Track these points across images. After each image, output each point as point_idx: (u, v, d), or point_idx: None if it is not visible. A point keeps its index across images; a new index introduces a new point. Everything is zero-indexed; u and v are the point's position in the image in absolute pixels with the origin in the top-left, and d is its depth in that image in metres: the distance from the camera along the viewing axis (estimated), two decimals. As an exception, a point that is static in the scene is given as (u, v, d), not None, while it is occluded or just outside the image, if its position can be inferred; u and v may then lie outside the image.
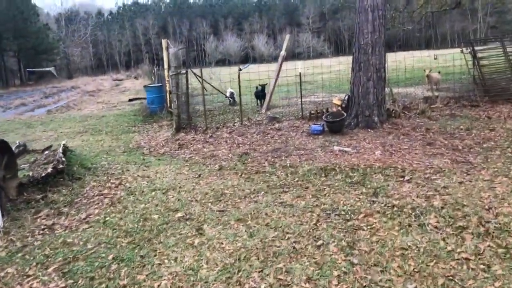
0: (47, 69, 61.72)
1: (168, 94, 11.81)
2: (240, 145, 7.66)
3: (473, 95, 10.12)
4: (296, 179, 5.32)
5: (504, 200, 4.21)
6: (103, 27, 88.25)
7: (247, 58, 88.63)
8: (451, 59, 12.12)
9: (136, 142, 8.86)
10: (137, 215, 4.55)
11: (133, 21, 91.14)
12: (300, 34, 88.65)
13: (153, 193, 5.26)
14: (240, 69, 9.71)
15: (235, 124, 10.07)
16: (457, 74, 11.69)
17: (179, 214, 4.48)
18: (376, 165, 5.62)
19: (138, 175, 6.11)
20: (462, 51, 10.25)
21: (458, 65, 11.00)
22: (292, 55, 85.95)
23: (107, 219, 4.53)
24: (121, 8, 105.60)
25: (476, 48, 10.22)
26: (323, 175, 5.38)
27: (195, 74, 10.14)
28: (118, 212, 4.69)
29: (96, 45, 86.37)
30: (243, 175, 5.72)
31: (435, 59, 22.35)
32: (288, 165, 5.96)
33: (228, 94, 13.53)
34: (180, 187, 5.43)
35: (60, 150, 6.27)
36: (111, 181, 5.84)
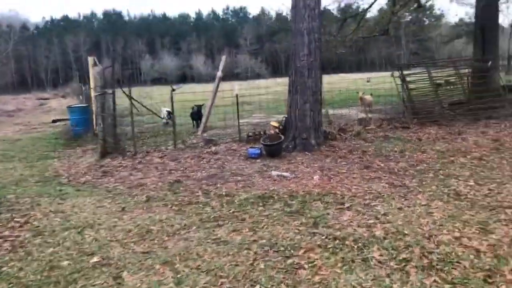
0: (-40, 85, 56.02)
1: (94, 116, 10.89)
2: (172, 171, 7.07)
3: (403, 117, 10.50)
4: (232, 209, 4.88)
5: (442, 226, 4.11)
6: (28, 42, 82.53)
7: (184, 77, 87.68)
8: (382, 82, 12.61)
9: (54, 169, 7.89)
10: (42, 263, 3.80)
11: (62, 37, 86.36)
12: (238, 55, 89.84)
13: (66, 232, 4.51)
14: (173, 89, 9.20)
15: (168, 147, 9.45)
16: (388, 97, 12.16)
17: (95, 259, 3.81)
18: (315, 191, 5.37)
19: (50, 210, 5.29)
20: (392, 75, 10.66)
21: (388, 88, 11.43)
22: (231, 75, 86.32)
23: (3, 269, 3.73)
24: (49, 23, 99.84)
25: (404, 72, 10.69)
26: (260, 204, 5.01)
27: (125, 93, 9.38)
28: (19, 260, 3.89)
29: (20, 61, 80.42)
30: (173, 207, 5.16)
31: (368, 82, 23.44)
32: (224, 193, 5.51)
33: (163, 114, 12.87)
34: (99, 224, 4.73)
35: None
36: (16, 219, 4.96)
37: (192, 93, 13.07)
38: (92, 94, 9.79)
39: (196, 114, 12.49)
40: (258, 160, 7.35)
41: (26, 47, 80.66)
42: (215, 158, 7.79)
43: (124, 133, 10.88)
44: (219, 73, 12.68)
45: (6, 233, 4.53)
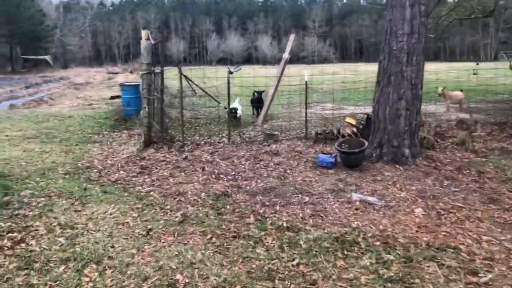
0: (43, 57, 59.74)
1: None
2: (221, 176, 5.61)
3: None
4: (296, 258, 3.29)
5: None
6: (104, 17, 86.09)
7: (249, 58, 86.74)
8: (463, 75, 10.07)
9: (89, 158, 6.80)
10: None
11: (135, 13, 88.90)
12: (306, 37, 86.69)
13: (62, 268, 3.21)
14: (230, 72, 7.70)
15: (221, 140, 8.03)
16: (482, 93, 9.68)
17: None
18: (422, 238, 3.59)
19: (60, 223, 4.06)
20: (510, 66, 8.27)
21: (477, 81, 8.98)
22: (296, 59, 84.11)
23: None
24: (124, 0, 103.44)
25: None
26: (339, 253, 3.35)
27: (181, 73, 7.93)
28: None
29: (96, 35, 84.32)
30: (213, 239, 3.68)
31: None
32: (284, 224, 3.92)
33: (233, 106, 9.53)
34: (110, 257, 3.39)
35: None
36: (10, 234, 3.78)
37: (252, 77, 11.50)
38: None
39: (256, 102, 10.96)
40: (331, 171, 5.64)
41: (102, 23, 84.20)
42: (275, 162, 6.20)
43: (176, 118, 9.71)
44: (285, 55, 10.99)
45: (-13, 259, 3.33)
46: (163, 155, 6.90)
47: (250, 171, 5.79)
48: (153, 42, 8.17)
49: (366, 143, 5.82)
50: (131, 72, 43.30)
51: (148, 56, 7.38)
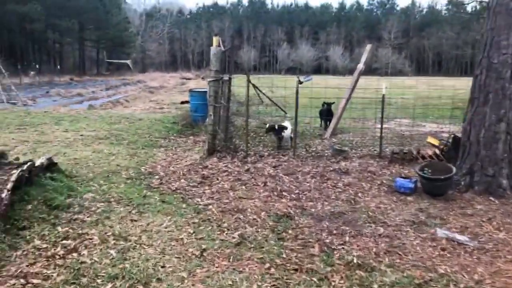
0: (124, 61, 64.27)
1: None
2: (284, 193, 5.18)
3: None
4: (369, 307, 2.74)
5: None
6: (181, 25, 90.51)
7: (319, 68, 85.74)
8: None
9: (153, 164, 6.75)
10: None
11: (210, 22, 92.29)
12: (380, 49, 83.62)
13: (109, 286, 2.99)
14: (300, 82, 7.27)
15: (286, 152, 7.62)
16: None
17: None
18: (533, 299, 2.85)
19: (114, 233, 3.90)
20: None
21: None
22: (369, 70, 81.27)
23: None
24: (201, 9, 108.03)
25: None
26: (423, 307, 2.74)
27: (249, 81, 7.61)
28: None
29: (172, 42, 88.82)
30: (271, 269, 3.25)
31: None
32: (355, 260, 3.38)
33: (288, 130, 8.12)
34: (159, 278, 3.11)
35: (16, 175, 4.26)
36: (64, 241, 3.68)
37: (323, 87, 10.95)
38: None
39: (326, 114, 10.40)
40: (410, 199, 4.95)
41: (179, 30, 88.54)
42: (345, 182, 5.63)
43: (241, 127, 9.49)
44: (360, 65, 10.32)
45: (35, 269, 3.20)
46: (225, 165, 6.65)
47: (316, 190, 5.28)
48: (223, 49, 8.03)
49: (454, 169, 5.03)
50: (202, 78, 44.82)
51: (217, 63, 7.21)
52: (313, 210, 4.61)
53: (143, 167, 6.52)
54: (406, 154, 6.76)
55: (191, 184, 5.62)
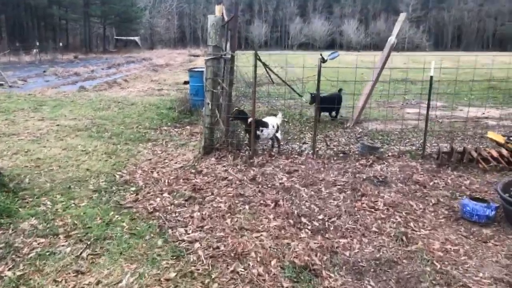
0: (132, 38, 62.49)
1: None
2: (304, 221, 3.66)
3: None
4: None
5: None
6: (190, 0, 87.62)
7: (333, 43, 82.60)
8: None
9: (133, 167, 5.28)
10: None
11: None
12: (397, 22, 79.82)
13: None
14: (323, 60, 5.62)
15: (302, 148, 6.09)
16: None
17: None
18: None
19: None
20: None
21: None
22: (384, 44, 77.95)
23: None
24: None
25: None
26: None
27: (258, 58, 5.85)
28: None
29: (182, 18, 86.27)
30: None
31: None
32: None
33: (271, 126, 5.96)
34: None
35: None
36: None
37: (341, 67, 9.23)
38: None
39: (329, 103, 8.40)
40: (489, 232, 3.39)
41: (189, 5, 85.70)
42: (386, 199, 4.08)
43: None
44: (392, 38, 8.62)
45: None
46: (225, 169, 5.15)
47: (348, 215, 3.75)
48: (226, 18, 6.42)
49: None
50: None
51: (216, 36, 5.60)
52: (347, 254, 3.10)
53: (119, 173, 5.05)
54: (462, 155, 5.15)
55: (176, 202, 4.15)
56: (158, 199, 4.23)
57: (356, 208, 3.90)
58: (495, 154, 4.96)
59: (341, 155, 5.82)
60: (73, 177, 4.84)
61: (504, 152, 4.98)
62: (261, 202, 4.08)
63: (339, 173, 4.97)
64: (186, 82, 15.40)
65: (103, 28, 56.88)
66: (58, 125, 7.55)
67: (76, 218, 3.71)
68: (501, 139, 5.20)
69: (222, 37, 6.01)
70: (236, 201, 4.11)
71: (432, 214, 3.77)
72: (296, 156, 5.70)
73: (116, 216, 3.81)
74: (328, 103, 8.32)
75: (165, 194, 4.36)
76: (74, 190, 4.47)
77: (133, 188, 4.54)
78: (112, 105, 9.77)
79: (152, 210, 3.96)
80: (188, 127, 7.87)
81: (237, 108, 5.78)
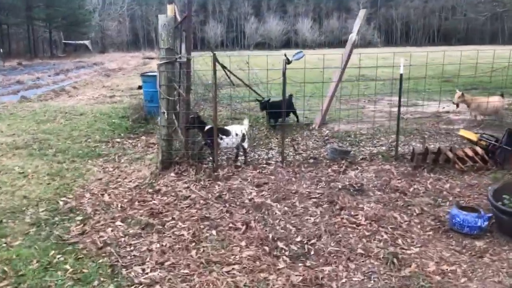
0: (82, 42, 59.66)
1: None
2: (281, 246, 3.21)
3: None
4: None
5: None
6: (142, 1, 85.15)
7: (288, 42, 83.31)
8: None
9: (81, 191, 4.61)
10: None
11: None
12: (349, 20, 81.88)
13: None
14: (288, 61, 5.20)
15: (270, 156, 5.66)
16: None
17: None
18: None
19: None
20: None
21: None
22: (337, 42, 79.86)
23: None
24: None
25: None
26: None
27: (216, 60, 5.27)
28: None
29: (134, 20, 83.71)
30: None
31: None
32: None
33: (234, 135, 5.42)
34: None
35: None
36: None
37: (307, 68, 8.93)
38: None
39: (276, 108, 7.32)
40: (483, 245, 3.09)
41: (140, 6, 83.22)
42: (367, 212, 3.71)
43: (209, 118, 7.40)
44: (353, 35, 8.38)
45: None
46: (186, 185, 4.61)
47: (329, 236, 3.34)
48: (179, 18, 5.88)
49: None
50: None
51: (169, 37, 5.04)
52: (334, 286, 2.67)
53: (64, 198, 4.38)
54: (436, 155, 4.92)
55: (131, 231, 3.57)
56: (109, 229, 3.63)
57: (336, 225, 3.50)
58: (470, 153, 4.77)
59: (311, 161, 5.44)
60: (6, 208, 4.12)
61: (479, 150, 4.79)
62: (230, 225, 3.59)
63: (312, 183, 4.57)
64: (140, 87, 14.57)
65: (49, 32, 53.81)
66: (-10, 144, 6.65)
67: (7, 263, 3.05)
68: (474, 137, 5.03)
69: (176, 39, 5.46)
70: (201, 226, 3.59)
71: (419, 226, 3.44)
72: (264, 165, 5.25)
73: (58, 256, 3.18)
74: (277, 109, 7.21)
75: (118, 222, 3.76)
76: (7, 225, 3.76)
77: (80, 217, 3.89)
78: (58, 116, 8.87)
79: (102, 244, 3.36)
80: (143, 137, 7.21)
81: (192, 115, 5.22)
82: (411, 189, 4.20)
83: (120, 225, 3.71)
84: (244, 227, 3.51)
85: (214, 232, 3.49)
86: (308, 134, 7.29)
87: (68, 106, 10.38)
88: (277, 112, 7.33)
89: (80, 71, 25.50)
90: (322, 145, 6.46)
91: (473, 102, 7.41)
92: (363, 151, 5.99)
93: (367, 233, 3.32)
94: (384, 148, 6.12)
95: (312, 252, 3.10)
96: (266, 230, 3.44)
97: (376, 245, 3.12)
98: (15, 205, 4.19)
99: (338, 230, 3.41)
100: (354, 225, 3.49)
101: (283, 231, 3.44)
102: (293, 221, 3.62)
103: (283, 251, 3.13)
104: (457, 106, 7.60)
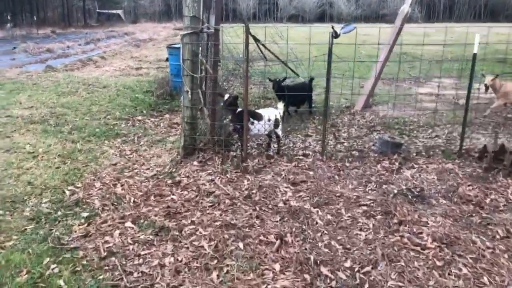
0: (115, 11, 59.68)
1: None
2: (325, 272, 2.52)
3: None
4: None
5: None
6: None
7: (323, 15, 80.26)
8: None
9: (91, 179, 4.05)
10: None
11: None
12: (388, -7, 77.74)
13: None
14: (336, 35, 4.33)
15: (308, 145, 4.92)
16: None
17: None
18: None
19: None
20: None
21: None
22: (375, 17, 76.32)
23: None
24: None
25: None
26: None
27: (249, 33, 4.43)
28: None
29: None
30: None
31: None
32: None
33: (267, 120, 4.67)
34: None
35: None
36: None
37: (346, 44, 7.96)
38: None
39: (296, 90, 6.35)
40: None
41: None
42: (431, 227, 2.94)
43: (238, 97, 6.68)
44: (405, 7, 7.42)
45: None
46: (210, 178, 3.96)
47: (387, 262, 2.60)
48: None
49: None
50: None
51: (194, 3, 4.27)
52: None
53: (71, 187, 3.83)
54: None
55: (142, 237, 2.97)
56: (117, 232, 3.04)
57: (395, 247, 2.75)
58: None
59: (356, 154, 4.66)
60: (7, 196, 3.62)
61: None
62: (261, 237, 2.91)
63: (359, 183, 3.81)
64: (167, 60, 13.97)
65: (83, 1, 53.84)
66: (8, 116, 6.21)
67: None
68: None
69: (204, 8, 4.68)
70: (226, 236, 2.94)
71: (506, 256, 2.64)
72: (300, 157, 4.52)
73: (52, 267, 2.63)
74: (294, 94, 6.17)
75: (128, 223, 3.17)
76: (3, 218, 3.25)
77: (85, 213, 3.33)
78: (80, 88, 8.38)
79: (106, 253, 2.77)
80: (167, 115, 6.60)
81: (229, 95, 4.49)
82: (487, 200, 3.37)
83: (130, 227, 3.11)
84: (278, 242, 2.83)
85: (241, 245, 2.83)
86: (349, 119, 6.46)
87: (93, 78, 9.88)
88: (295, 97, 6.11)
89: (111, 41, 25.14)
90: (367, 133, 5.64)
91: (501, 88, 6.41)
92: (416, 143, 5.13)
93: (438, 263, 2.56)
94: (440, 140, 5.24)
95: (367, 286, 2.39)
96: (305, 249, 2.74)
97: (454, 283, 2.37)
98: (17, 193, 3.68)
99: (399, 255, 2.67)
100: (419, 248, 2.73)
101: (327, 250, 2.74)
102: (339, 237, 2.91)
103: (328, 281, 2.43)
104: (487, 90, 6.60)
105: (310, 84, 6.68)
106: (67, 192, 3.72)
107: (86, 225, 3.15)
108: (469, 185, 3.64)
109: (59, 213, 3.35)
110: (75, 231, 3.07)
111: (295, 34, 15.16)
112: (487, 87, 6.57)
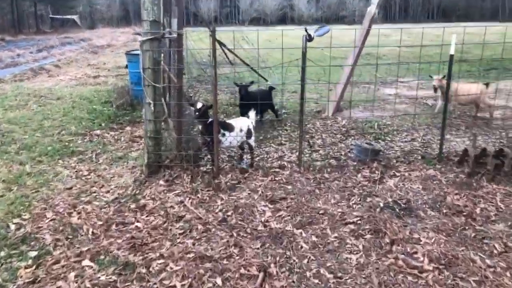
0: (70, 17, 57.48)
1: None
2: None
3: None
4: None
5: None
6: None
7: (284, 18, 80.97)
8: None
9: (42, 207, 3.54)
10: None
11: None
12: (346, -5, 79.59)
13: None
14: (309, 37, 4.05)
15: (282, 158, 4.61)
16: None
17: None
18: None
19: None
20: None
21: None
22: (336, 18, 77.84)
23: None
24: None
25: None
26: None
27: (214, 38, 4.07)
28: None
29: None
30: None
31: None
32: None
33: (239, 130, 4.35)
34: None
35: None
36: None
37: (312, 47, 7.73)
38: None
39: (251, 99, 5.43)
40: None
41: (130, -21, 79.85)
42: (425, 244, 2.71)
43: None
44: (372, 8, 7.26)
45: None
46: (179, 199, 3.57)
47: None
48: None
49: None
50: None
51: (154, 6, 3.86)
52: None
53: (17, 220, 3.31)
54: (497, 159, 3.88)
55: (102, 279, 2.54)
56: (72, 274, 2.59)
57: (391, 273, 2.48)
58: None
59: (334, 163, 4.40)
60: None
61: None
62: (241, 270, 2.56)
63: (342, 197, 3.54)
64: (127, 66, 13.32)
65: (34, 5, 51.32)
66: None
67: None
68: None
69: (163, 10, 4.28)
70: (201, 271, 2.56)
71: (509, 274, 2.44)
72: (276, 169, 4.20)
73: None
74: (252, 100, 5.32)
75: (86, 261, 2.72)
76: None
77: (34, 252, 2.85)
78: (31, 100, 7.69)
79: (58, 305, 2.32)
80: (128, 128, 6.10)
81: (202, 104, 4.08)
82: (477, 210, 3.18)
83: (88, 267, 2.67)
84: (261, 275, 2.49)
85: (219, 281, 2.47)
86: (321, 125, 6.23)
87: (45, 88, 9.15)
88: (250, 104, 4.99)
89: (66, 48, 23.92)
90: (341, 139, 5.42)
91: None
92: (393, 148, 4.96)
93: (439, 290, 2.31)
94: (417, 144, 5.10)
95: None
96: (293, 282, 2.42)
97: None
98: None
99: (396, 281, 2.40)
100: (417, 272, 2.48)
101: (317, 281, 2.43)
102: (328, 263, 2.61)
103: (322, 322, 2.12)
104: (435, 91, 6.60)
105: (270, 92, 6.35)
106: (12, 226, 3.21)
107: (34, 267, 2.68)
108: (456, 194, 3.45)
109: (2, 253, 2.85)
110: (21, 276, 2.59)
111: (259, 37, 14.86)
112: (435, 88, 6.52)
